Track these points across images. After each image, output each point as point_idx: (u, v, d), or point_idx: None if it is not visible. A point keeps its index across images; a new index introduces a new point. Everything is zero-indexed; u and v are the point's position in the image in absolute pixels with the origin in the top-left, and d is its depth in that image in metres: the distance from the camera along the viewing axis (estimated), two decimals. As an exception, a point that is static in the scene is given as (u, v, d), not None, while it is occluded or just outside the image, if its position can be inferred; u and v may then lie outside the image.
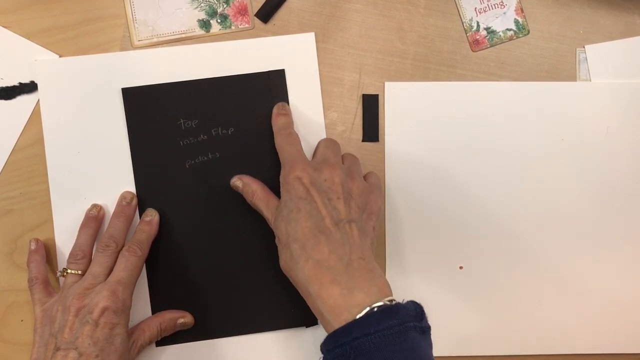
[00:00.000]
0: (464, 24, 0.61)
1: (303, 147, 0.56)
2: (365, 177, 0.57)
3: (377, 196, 0.55)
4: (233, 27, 0.60)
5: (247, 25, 0.60)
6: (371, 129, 0.60)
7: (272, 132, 0.59)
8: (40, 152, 0.59)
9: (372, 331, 0.45)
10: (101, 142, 0.59)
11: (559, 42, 0.61)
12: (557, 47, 0.61)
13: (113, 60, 0.59)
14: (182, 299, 0.58)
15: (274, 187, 0.57)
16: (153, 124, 0.59)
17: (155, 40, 0.60)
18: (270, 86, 0.59)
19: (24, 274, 0.58)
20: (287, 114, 0.58)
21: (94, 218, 0.57)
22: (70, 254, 0.56)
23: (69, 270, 0.55)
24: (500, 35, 0.61)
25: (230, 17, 0.60)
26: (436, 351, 0.60)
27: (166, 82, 0.59)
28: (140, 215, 0.58)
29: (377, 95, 0.60)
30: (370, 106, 0.60)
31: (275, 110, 0.58)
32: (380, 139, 0.60)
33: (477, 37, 0.61)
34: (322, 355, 0.48)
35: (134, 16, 0.60)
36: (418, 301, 0.48)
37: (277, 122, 0.58)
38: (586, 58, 0.61)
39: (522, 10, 0.62)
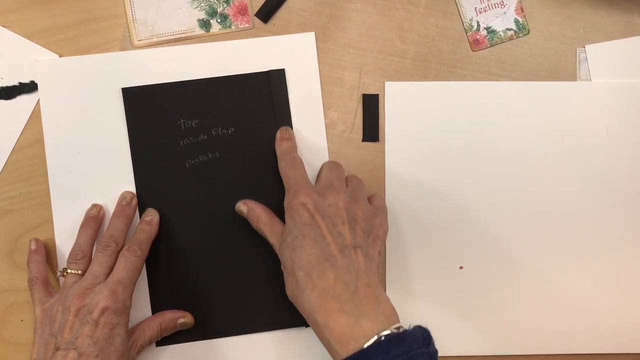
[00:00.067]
0: (464, 24, 0.61)
1: (307, 171, 0.56)
2: (369, 199, 0.57)
3: (382, 219, 0.55)
4: (233, 27, 0.60)
5: (247, 25, 0.60)
6: (371, 129, 0.60)
7: (272, 132, 0.59)
8: (40, 152, 0.59)
9: None
10: (101, 142, 0.59)
11: (559, 41, 0.61)
12: (557, 46, 0.61)
13: (113, 60, 0.59)
14: (182, 299, 0.58)
15: (274, 188, 0.57)
16: (153, 124, 0.59)
17: (155, 40, 0.60)
18: (270, 86, 0.59)
19: (24, 274, 0.58)
20: (291, 138, 0.58)
21: (94, 218, 0.57)
22: (70, 254, 0.56)
23: (69, 270, 0.55)
24: (500, 35, 0.61)
25: (230, 17, 0.60)
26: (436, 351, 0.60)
27: (166, 82, 0.59)
28: (140, 215, 0.58)
29: (377, 95, 0.60)
30: (370, 106, 0.60)
31: (278, 134, 0.58)
32: (380, 139, 0.60)
33: (477, 36, 0.61)
34: None
35: (134, 16, 0.60)
36: (424, 325, 0.48)
37: (280, 146, 0.58)
38: (586, 58, 0.61)
39: (522, 10, 0.62)
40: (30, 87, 0.59)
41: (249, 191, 0.59)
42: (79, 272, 0.55)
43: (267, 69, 0.59)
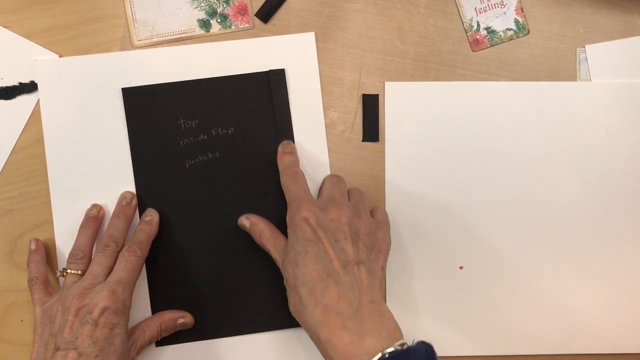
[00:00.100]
0: (464, 24, 0.61)
1: (309, 185, 0.56)
2: (372, 213, 0.57)
3: (384, 233, 0.55)
4: (233, 27, 0.60)
5: (247, 25, 0.60)
6: (371, 129, 0.60)
7: (272, 132, 0.59)
8: (40, 152, 0.59)
9: None
10: (101, 142, 0.59)
11: (559, 42, 0.61)
12: (557, 47, 0.61)
13: (113, 60, 0.59)
14: (182, 299, 0.58)
15: (274, 190, 0.57)
16: (153, 124, 0.59)
17: (155, 40, 0.60)
18: (270, 86, 0.59)
19: (24, 274, 0.58)
20: (293, 152, 0.58)
21: (94, 218, 0.57)
22: (70, 254, 0.56)
23: (68, 270, 0.55)
24: (500, 35, 0.61)
25: (230, 17, 0.60)
26: (437, 351, 0.60)
27: (166, 82, 0.59)
28: (140, 215, 0.58)
29: (377, 95, 0.60)
30: (370, 106, 0.60)
31: (280, 148, 0.58)
32: (380, 139, 0.60)
33: (477, 36, 0.61)
34: None
35: (134, 16, 0.60)
36: (428, 340, 0.48)
37: (282, 160, 0.58)
38: (586, 58, 0.61)
39: (522, 10, 0.62)
40: (30, 87, 0.59)
41: (248, 191, 0.59)
42: (79, 272, 0.55)
43: (267, 69, 0.59)
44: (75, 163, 0.58)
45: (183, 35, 0.60)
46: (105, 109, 0.59)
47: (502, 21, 0.61)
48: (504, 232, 0.60)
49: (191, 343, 0.58)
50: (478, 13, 0.61)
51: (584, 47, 0.62)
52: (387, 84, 0.60)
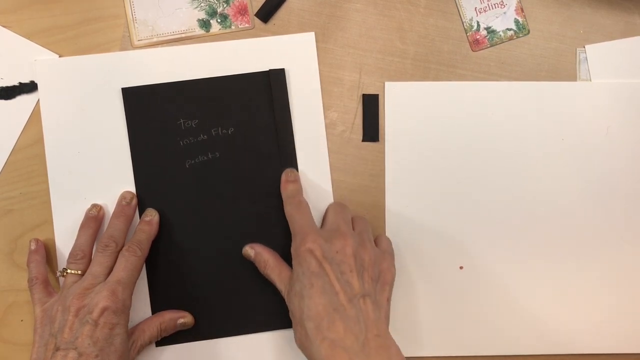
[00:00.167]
0: (464, 24, 0.61)
1: (312, 213, 0.56)
2: (376, 241, 0.57)
3: (389, 263, 0.55)
4: (233, 27, 0.60)
5: (247, 25, 0.60)
6: (371, 129, 0.60)
7: (272, 132, 0.59)
8: (40, 152, 0.59)
9: None
10: (101, 142, 0.59)
11: (559, 42, 0.61)
12: (557, 47, 0.61)
13: (113, 60, 0.59)
14: (182, 299, 0.58)
15: (274, 190, 0.57)
16: (153, 124, 0.59)
17: (155, 40, 0.60)
18: (270, 86, 0.59)
19: (24, 274, 0.58)
20: (296, 181, 0.58)
21: (94, 218, 0.57)
22: (70, 254, 0.56)
23: (68, 270, 0.55)
24: (500, 35, 0.61)
25: (230, 17, 0.60)
26: (436, 351, 0.60)
27: (166, 82, 0.59)
28: (140, 215, 0.58)
29: (377, 95, 0.60)
30: (370, 106, 0.60)
31: (283, 176, 0.58)
32: (380, 139, 0.60)
33: (477, 36, 0.61)
34: None
35: (133, 16, 0.60)
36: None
37: (286, 189, 0.58)
38: (586, 58, 0.61)
39: (522, 10, 0.62)
40: (30, 87, 0.59)
41: (248, 191, 0.59)
42: (79, 272, 0.55)
43: (267, 69, 0.59)
44: (75, 163, 0.58)
45: (183, 35, 0.60)
46: (105, 109, 0.59)
47: (502, 21, 0.61)
48: (504, 232, 0.60)
49: (191, 343, 0.58)
50: (478, 13, 0.61)
51: (584, 47, 0.62)
52: (387, 84, 0.60)
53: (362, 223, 0.57)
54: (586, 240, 0.61)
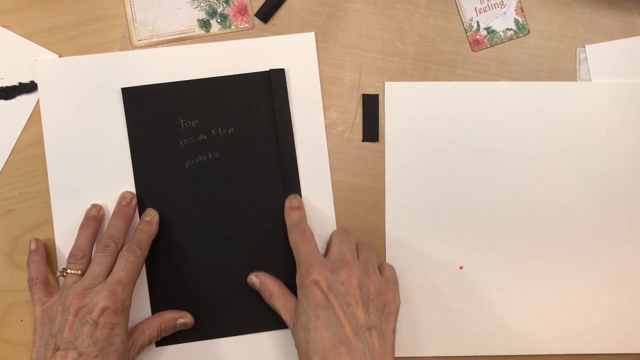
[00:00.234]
0: (464, 24, 0.61)
1: (316, 240, 0.56)
2: (380, 270, 0.57)
3: (394, 293, 0.55)
4: (233, 27, 0.60)
5: (247, 25, 0.60)
6: (371, 129, 0.60)
7: (272, 132, 0.59)
8: (40, 152, 0.59)
9: None
10: (101, 142, 0.59)
11: (559, 42, 0.61)
12: (557, 47, 0.61)
13: (113, 60, 0.59)
14: (182, 299, 0.58)
15: (274, 190, 0.57)
16: (153, 124, 0.59)
17: (155, 40, 0.60)
18: (270, 86, 0.59)
19: (24, 274, 0.58)
20: (300, 208, 0.58)
21: (94, 218, 0.57)
22: (70, 254, 0.56)
23: (68, 270, 0.55)
24: (500, 35, 0.61)
25: (230, 17, 0.60)
26: (436, 351, 0.60)
27: (166, 82, 0.59)
28: (140, 215, 0.58)
29: (377, 95, 0.60)
30: (370, 106, 0.60)
31: (287, 203, 0.58)
32: (380, 139, 0.60)
33: (477, 37, 0.61)
34: None
35: (133, 16, 0.60)
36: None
37: (290, 216, 0.58)
38: (586, 58, 0.61)
39: (522, 10, 0.62)
40: (30, 87, 0.59)
41: (248, 191, 0.59)
42: (79, 272, 0.55)
43: (267, 69, 0.59)
44: (75, 163, 0.58)
45: (183, 35, 0.60)
46: (105, 109, 0.59)
47: (502, 21, 0.61)
48: (504, 232, 0.60)
49: (191, 343, 0.58)
50: (478, 13, 0.61)
51: (584, 47, 0.62)
52: (387, 84, 0.60)
53: (366, 251, 0.56)
54: (586, 240, 0.61)
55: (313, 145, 0.60)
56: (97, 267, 0.54)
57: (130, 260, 0.54)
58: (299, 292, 0.53)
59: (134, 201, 0.58)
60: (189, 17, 0.60)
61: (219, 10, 0.60)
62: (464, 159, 0.60)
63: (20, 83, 0.59)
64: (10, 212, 0.59)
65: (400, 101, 0.60)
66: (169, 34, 0.60)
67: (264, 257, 0.59)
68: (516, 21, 0.61)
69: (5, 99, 0.59)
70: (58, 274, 0.57)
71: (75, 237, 0.57)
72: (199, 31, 0.60)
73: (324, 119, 0.60)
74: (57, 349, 0.50)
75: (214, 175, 0.59)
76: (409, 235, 0.60)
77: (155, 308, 0.58)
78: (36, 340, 0.54)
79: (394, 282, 0.57)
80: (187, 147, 0.59)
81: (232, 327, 0.59)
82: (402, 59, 0.61)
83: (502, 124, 0.61)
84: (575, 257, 0.61)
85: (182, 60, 0.59)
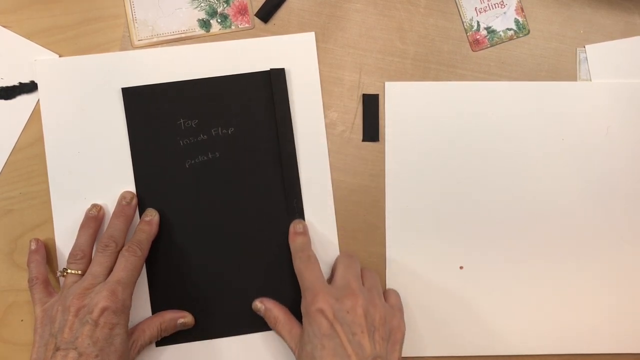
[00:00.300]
0: (464, 24, 0.61)
1: (321, 267, 0.56)
2: (385, 296, 0.57)
3: (399, 320, 0.55)
4: (233, 27, 0.60)
5: (247, 25, 0.60)
6: (371, 129, 0.60)
7: (272, 132, 0.59)
8: (40, 152, 0.59)
9: None
10: (101, 142, 0.59)
11: (559, 42, 0.61)
12: (557, 47, 0.61)
13: (113, 60, 0.59)
14: (182, 299, 0.58)
15: (274, 190, 0.57)
16: (153, 124, 0.59)
17: (155, 40, 0.60)
18: (270, 85, 0.59)
19: (24, 274, 0.58)
20: (305, 233, 0.58)
21: (94, 218, 0.57)
22: (70, 254, 0.56)
23: (69, 270, 0.55)
24: (500, 35, 0.61)
25: (230, 17, 0.60)
26: (436, 351, 0.60)
27: (166, 82, 0.59)
28: (140, 215, 0.58)
29: (377, 95, 0.60)
30: (370, 106, 0.60)
31: (291, 228, 0.58)
32: (380, 139, 0.60)
33: (478, 36, 0.61)
34: None
35: (134, 16, 0.60)
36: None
37: (294, 242, 0.57)
38: (586, 58, 0.61)
39: (522, 10, 0.62)
40: (30, 87, 0.59)
41: (248, 191, 0.59)
42: (79, 272, 0.55)
43: (268, 69, 0.59)
44: (75, 163, 0.58)
45: (183, 35, 0.60)
46: (105, 109, 0.59)
47: (502, 21, 0.61)
48: (504, 232, 0.60)
49: (191, 343, 0.58)
50: (478, 13, 0.61)
51: (584, 47, 0.62)
52: (387, 84, 0.60)
53: (371, 278, 0.56)
54: (586, 240, 0.61)
55: (313, 145, 0.60)
56: (97, 267, 0.54)
57: (131, 260, 0.54)
58: (304, 320, 0.53)
59: (134, 201, 0.58)
60: (189, 17, 0.60)
61: (219, 10, 0.60)
62: (464, 159, 0.60)
63: (20, 83, 0.59)
64: (10, 212, 0.59)
65: (400, 101, 0.60)
66: (169, 34, 0.60)
67: (264, 258, 0.59)
68: (516, 21, 0.61)
69: (6, 98, 0.59)
70: (58, 274, 0.57)
71: (75, 237, 0.57)
72: (199, 31, 0.60)
73: (324, 118, 0.60)
74: (57, 349, 0.50)
75: (214, 175, 0.59)
76: (409, 235, 0.60)
77: (156, 308, 0.58)
78: (36, 340, 0.54)
79: (399, 309, 0.57)
80: (187, 147, 0.59)
81: (232, 327, 0.59)
82: (402, 59, 0.61)
83: (502, 124, 0.61)
84: (575, 257, 0.61)
85: (182, 60, 0.59)
